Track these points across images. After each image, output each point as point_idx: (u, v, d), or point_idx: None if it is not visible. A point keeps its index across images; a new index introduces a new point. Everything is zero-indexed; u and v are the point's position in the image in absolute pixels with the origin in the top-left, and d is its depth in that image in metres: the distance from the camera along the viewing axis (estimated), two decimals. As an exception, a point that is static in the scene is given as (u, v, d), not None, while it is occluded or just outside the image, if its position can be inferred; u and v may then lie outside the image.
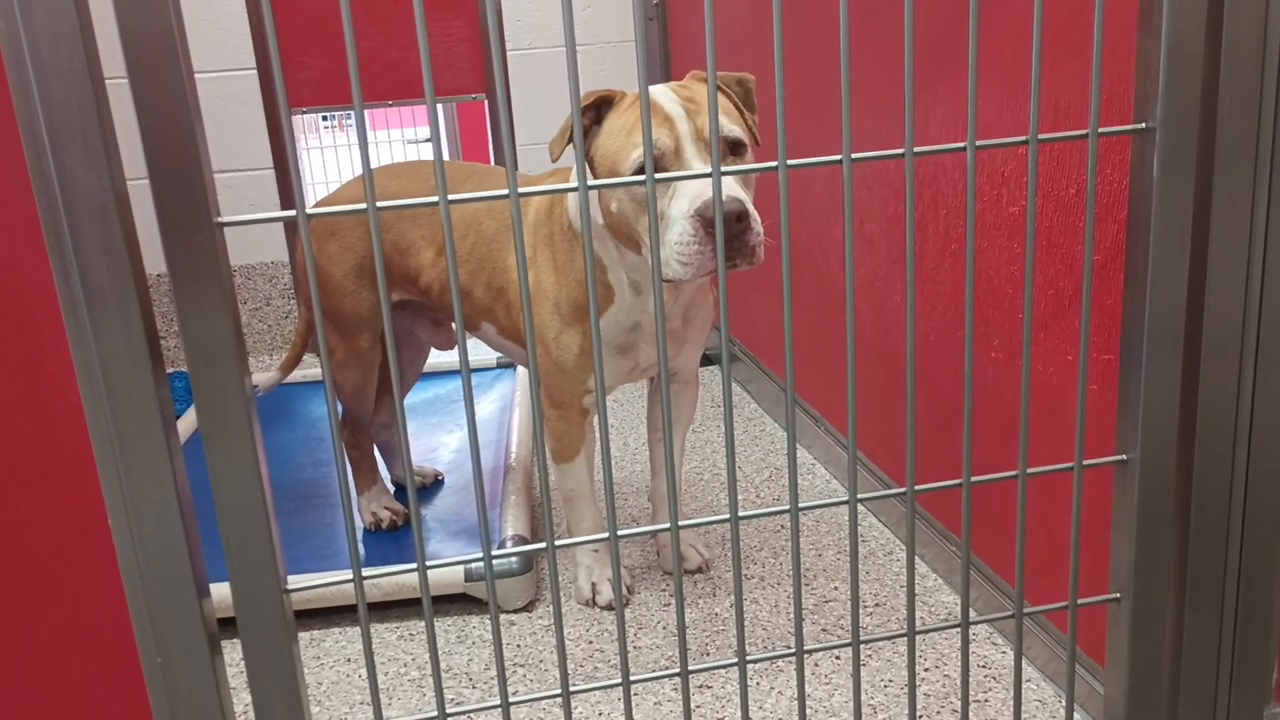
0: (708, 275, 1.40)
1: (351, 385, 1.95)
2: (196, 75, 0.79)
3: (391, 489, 2.14)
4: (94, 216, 0.78)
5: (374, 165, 2.02)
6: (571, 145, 1.27)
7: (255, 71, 3.12)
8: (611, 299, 1.63)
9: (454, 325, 2.05)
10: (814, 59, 2.04)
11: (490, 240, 1.75)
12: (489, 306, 1.79)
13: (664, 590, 1.83)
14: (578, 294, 1.64)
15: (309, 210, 0.82)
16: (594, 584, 1.81)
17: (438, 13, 3.02)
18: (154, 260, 0.78)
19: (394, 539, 1.97)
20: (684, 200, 1.36)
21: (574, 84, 0.82)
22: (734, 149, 1.46)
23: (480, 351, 2.90)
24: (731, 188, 1.37)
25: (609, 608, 1.77)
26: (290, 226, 1.89)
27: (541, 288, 1.67)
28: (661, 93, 1.45)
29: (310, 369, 2.53)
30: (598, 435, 1.80)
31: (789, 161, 0.88)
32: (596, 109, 1.49)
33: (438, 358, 2.93)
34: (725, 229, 1.31)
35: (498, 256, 1.74)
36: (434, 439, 2.41)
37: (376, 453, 2.13)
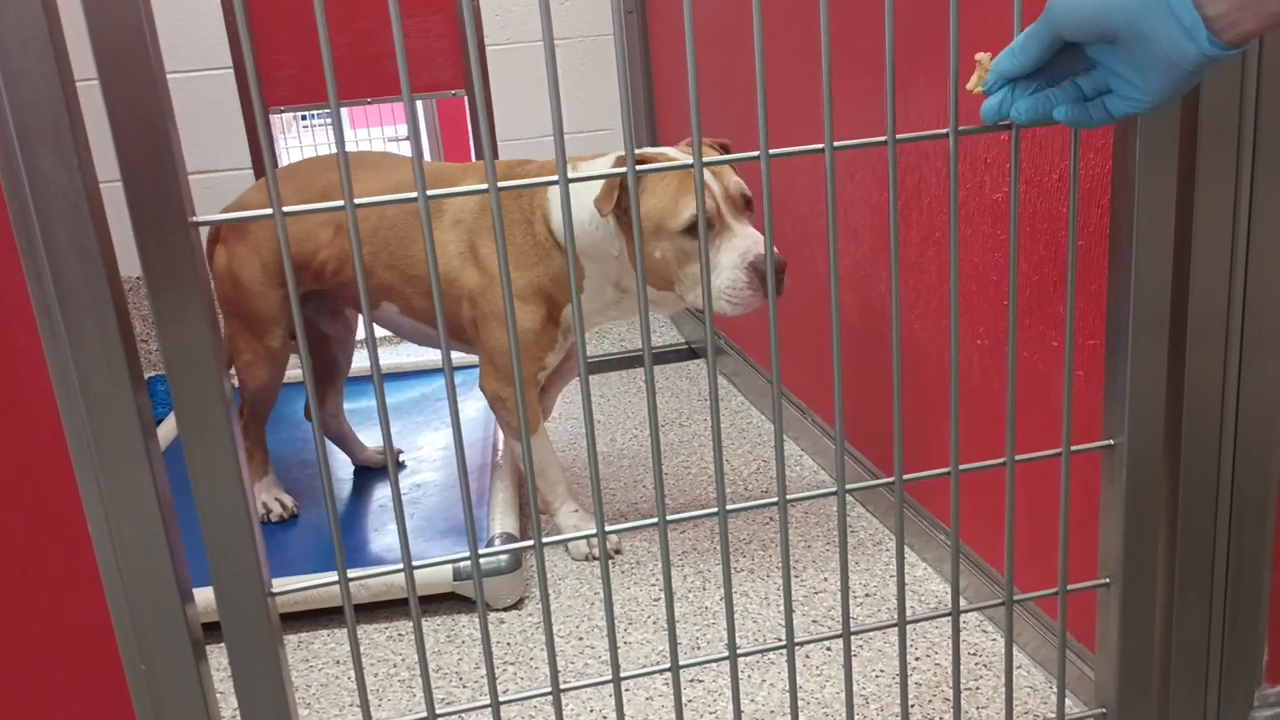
0: (748, 311, 1.67)
1: (258, 383, 2.01)
2: (173, 75, 0.78)
3: (351, 472, 2.21)
4: (66, 218, 0.76)
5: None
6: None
7: (231, 70, 3.10)
8: (583, 290, 1.81)
9: (350, 313, 2.19)
10: (795, 49, 2.04)
11: (394, 225, 1.86)
12: (391, 285, 1.89)
13: (653, 585, 1.83)
14: (543, 281, 1.78)
15: (286, 212, 0.81)
16: (588, 540, 1.87)
17: (415, 9, 3.00)
18: (130, 262, 0.77)
19: (387, 538, 1.96)
20: (734, 254, 1.63)
21: (553, 80, 0.81)
22: (748, 204, 1.69)
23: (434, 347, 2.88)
24: (764, 240, 1.60)
25: (588, 558, 1.93)
26: (211, 237, 1.95)
27: (493, 279, 1.79)
28: (681, 157, 1.67)
29: (293, 370, 2.51)
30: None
31: (771, 151, 0.88)
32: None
33: (422, 356, 2.92)
34: (762, 281, 1.62)
35: (409, 244, 1.85)
36: (419, 437, 2.40)
37: (330, 443, 2.23)
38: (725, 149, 1.75)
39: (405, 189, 1.84)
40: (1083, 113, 0.85)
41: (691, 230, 1.64)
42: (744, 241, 1.63)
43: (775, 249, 1.60)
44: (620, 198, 1.65)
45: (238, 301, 1.95)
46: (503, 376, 1.86)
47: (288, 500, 2.06)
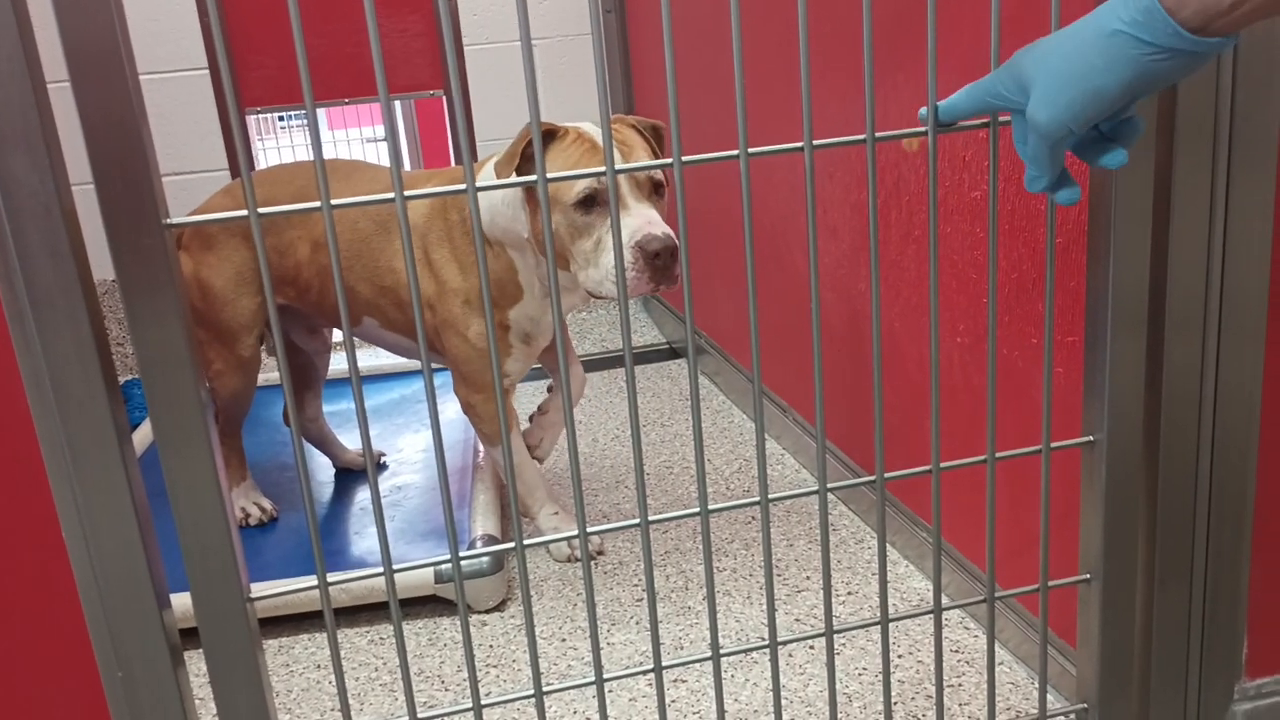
0: (636, 296, 1.62)
1: (229, 391, 1.99)
2: (147, 76, 0.77)
3: (331, 476, 2.21)
4: (38, 221, 0.76)
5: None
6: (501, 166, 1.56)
7: (207, 71, 3.08)
8: (520, 297, 1.78)
9: (327, 331, 2.17)
10: (774, 47, 2.04)
11: (368, 239, 1.84)
12: (370, 300, 1.87)
13: (636, 585, 1.82)
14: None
15: (262, 213, 0.81)
16: (569, 542, 1.88)
17: (392, 9, 2.99)
18: (104, 266, 0.76)
19: (368, 541, 1.95)
20: (624, 233, 1.54)
21: (530, 79, 0.81)
22: (656, 189, 1.63)
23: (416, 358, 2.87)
24: (661, 224, 1.58)
25: (570, 559, 1.94)
26: (184, 241, 1.94)
27: (449, 285, 1.77)
28: (595, 133, 1.63)
29: (270, 373, 2.50)
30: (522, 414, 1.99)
31: (750, 149, 0.88)
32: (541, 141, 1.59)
33: (400, 359, 2.90)
34: (659, 259, 1.55)
35: (378, 256, 1.84)
36: (400, 439, 2.39)
37: (309, 445, 2.22)
38: (656, 131, 1.71)
39: (386, 211, 1.83)
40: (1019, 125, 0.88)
41: (583, 204, 1.58)
42: (635, 220, 1.56)
43: (666, 231, 1.55)
44: (521, 166, 1.59)
45: (206, 311, 1.91)
46: (469, 383, 1.83)
47: (265, 504, 2.05)
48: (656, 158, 1.67)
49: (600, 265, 1.60)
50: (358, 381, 0.86)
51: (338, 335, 2.38)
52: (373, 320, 1.91)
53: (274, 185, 1.93)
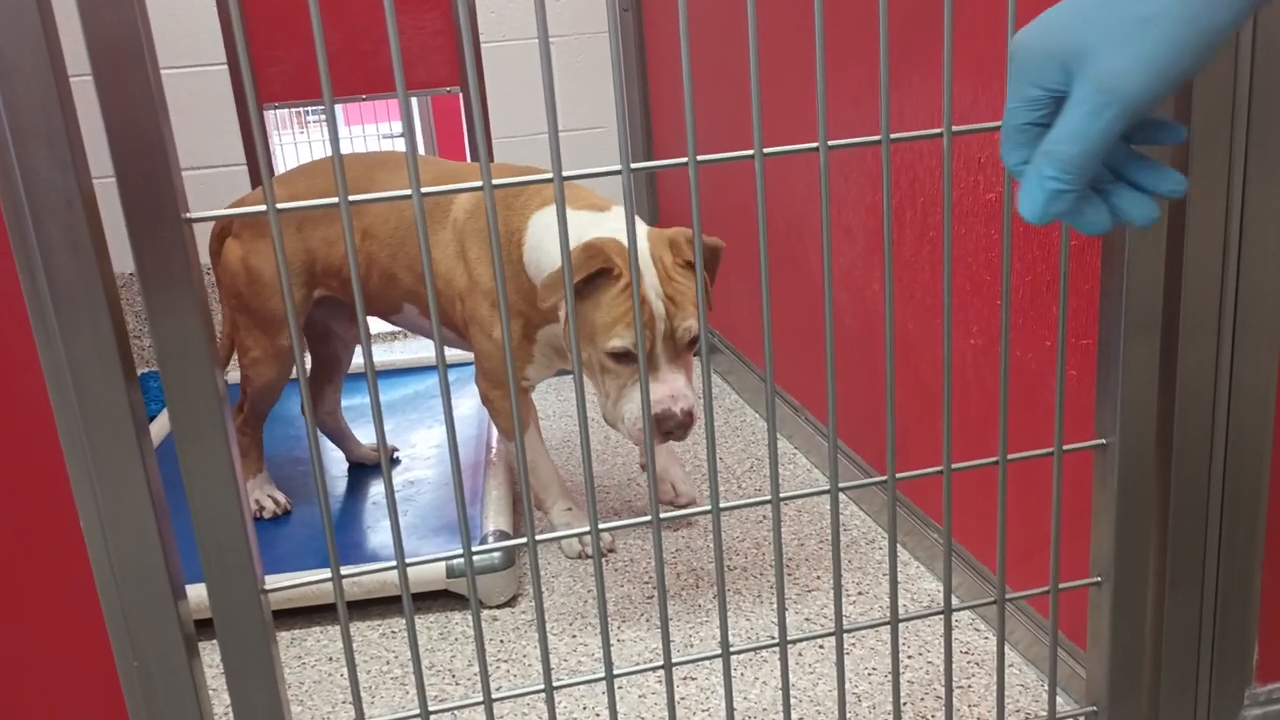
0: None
1: (264, 381, 2.00)
2: (167, 71, 0.78)
3: (346, 469, 2.23)
4: (60, 215, 0.76)
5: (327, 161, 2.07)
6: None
7: (226, 66, 3.09)
8: (545, 325, 1.78)
9: (372, 318, 2.18)
10: (790, 47, 2.04)
11: (411, 227, 1.83)
12: (411, 288, 1.87)
13: (647, 583, 1.83)
14: (514, 299, 1.75)
15: (278, 206, 0.81)
16: (580, 538, 1.86)
17: (411, 6, 2.99)
18: (123, 258, 0.77)
19: (381, 535, 1.96)
20: (638, 399, 1.56)
21: (548, 78, 0.81)
22: (692, 344, 1.60)
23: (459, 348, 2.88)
24: (686, 396, 1.57)
25: (580, 556, 1.92)
26: (220, 230, 1.94)
27: (481, 284, 1.76)
28: (650, 278, 1.56)
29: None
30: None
31: (766, 150, 0.88)
32: (593, 275, 1.56)
33: (416, 353, 2.92)
34: (676, 425, 1.56)
35: (418, 244, 1.81)
36: (413, 434, 2.40)
37: (324, 439, 2.24)
38: (715, 253, 1.66)
39: (440, 199, 1.82)
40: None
41: (616, 357, 1.57)
42: (661, 389, 1.55)
43: (687, 407, 1.55)
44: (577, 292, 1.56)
45: (251, 298, 1.92)
46: (489, 378, 1.84)
47: (280, 497, 2.06)
48: (709, 290, 1.63)
49: (619, 410, 1.61)
50: (373, 377, 0.87)
51: (377, 325, 2.38)
52: (413, 308, 1.92)
53: (325, 176, 1.94)
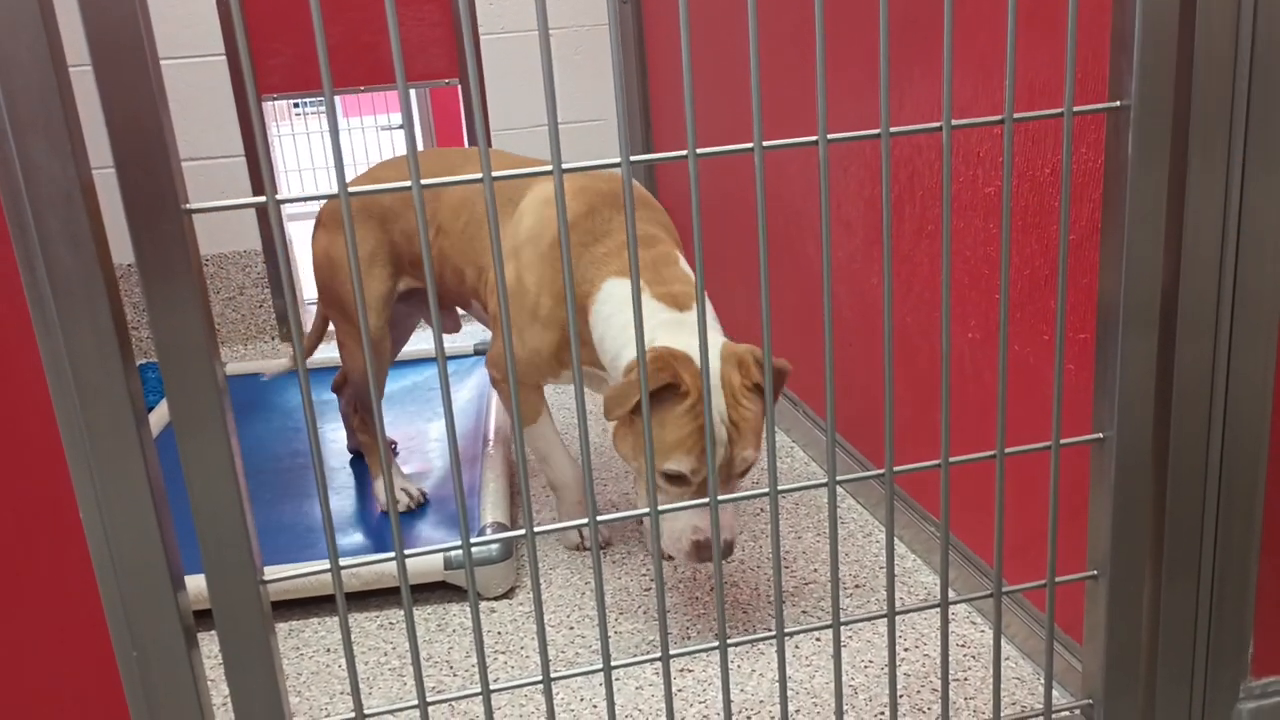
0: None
1: (359, 368, 2.02)
2: (165, 62, 0.78)
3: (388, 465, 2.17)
4: (59, 206, 0.76)
5: (345, 152, 2.06)
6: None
7: (225, 57, 3.09)
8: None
9: (458, 310, 2.16)
10: (790, 41, 2.04)
11: (480, 222, 1.82)
12: (476, 285, 1.86)
13: (644, 575, 1.83)
14: (559, 311, 1.70)
15: (280, 200, 0.81)
16: (579, 531, 1.80)
17: (409, -3, 2.99)
18: (123, 249, 0.77)
19: (372, 527, 1.96)
20: (683, 520, 1.52)
21: (547, 70, 0.81)
22: (744, 473, 1.55)
23: (456, 339, 2.88)
24: (729, 526, 1.54)
25: (578, 548, 1.90)
26: (318, 219, 1.95)
27: (522, 287, 1.72)
28: (717, 401, 1.50)
29: (287, 358, 2.51)
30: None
31: (765, 143, 0.88)
32: (660, 388, 1.49)
33: (414, 345, 2.91)
34: (701, 560, 1.53)
35: (485, 238, 1.82)
36: (412, 427, 2.40)
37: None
38: (782, 374, 1.57)
39: (508, 191, 1.81)
40: None
41: (669, 477, 1.51)
42: (706, 519, 1.49)
43: (729, 539, 1.52)
44: (632, 413, 1.52)
45: (335, 288, 1.95)
46: (503, 371, 1.81)
47: (413, 489, 2.03)
48: (771, 411, 1.58)
49: (659, 525, 1.54)
50: (375, 375, 0.87)
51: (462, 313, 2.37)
52: (478, 304, 1.92)
53: (427, 163, 1.95)
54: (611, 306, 1.64)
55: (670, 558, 1.77)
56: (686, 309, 1.61)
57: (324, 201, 1.92)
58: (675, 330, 1.56)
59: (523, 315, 1.72)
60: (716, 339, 1.58)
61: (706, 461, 1.44)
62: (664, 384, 1.47)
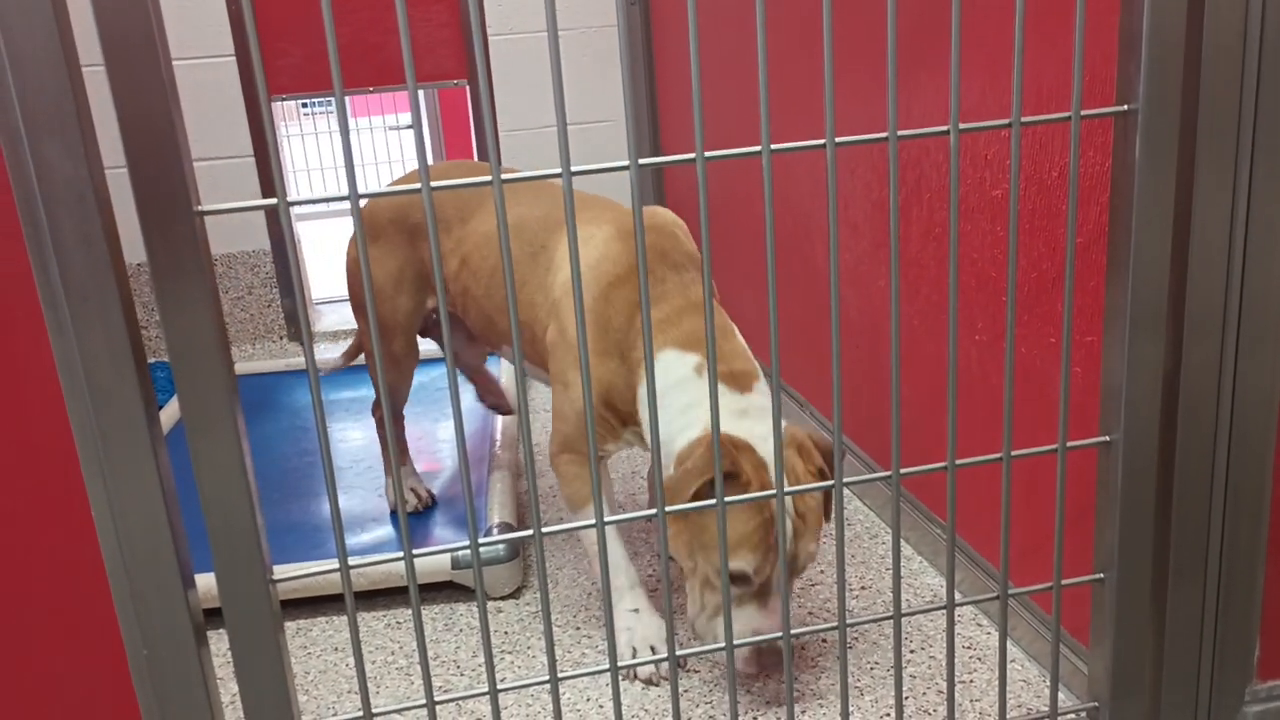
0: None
1: (387, 384, 1.96)
2: (175, 63, 0.78)
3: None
4: (72, 207, 0.77)
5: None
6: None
7: (234, 58, 3.10)
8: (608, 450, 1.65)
9: (484, 345, 2.05)
10: (798, 43, 2.04)
11: (516, 263, 1.69)
12: (507, 333, 1.74)
13: (651, 575, 1.83)
14: (606, 378, 1.56)
15: (292, 202, 0.82)
16: (634, 649, 1.56)
17: (418, -2, 3.00)
18: (134, 249, 0.77)
19: (386, 527, 1.97)
20: (740, 624, 1.40)
21: (556, 72, 0.82)
22: (803, 570, 1.46)
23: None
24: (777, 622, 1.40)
25: (649, 682, 1.55)
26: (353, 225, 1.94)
27: (567, 341, 1.58)
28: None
29: (295, 358, 2.52)
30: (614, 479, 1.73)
31: (773, 146, 0.88)
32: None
33: (420, 346, 2.91)
34: (773, 663, 1.44)
35: (521, 285, 1.68)
36: (419, 427, 2.41)
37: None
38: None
39: (539, 235, 1.68)
40: None
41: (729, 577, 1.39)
42: (765, 623, 1.40)
43: (780, 650, 1.38)
44: (697, 495, 1.36)
45: (361, 296, 1.91)
46: (556, 439, 1.63)
47: (422, 490, 2.04)
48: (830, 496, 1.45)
49: (712, 625, 1.45)
50: (383, 377, 0.88)
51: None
52: (509, 349, 1.84)
53: (450, 179, 1.89)
54: (667, 382, 1.48)
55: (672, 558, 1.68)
56: (747, 391, 1.48)
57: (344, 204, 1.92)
58: (738, 418, 1.44)
59: (571, 369, 1.57)
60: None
61: (770, 560, 1.38)
62: (728, 471, 1.37)
